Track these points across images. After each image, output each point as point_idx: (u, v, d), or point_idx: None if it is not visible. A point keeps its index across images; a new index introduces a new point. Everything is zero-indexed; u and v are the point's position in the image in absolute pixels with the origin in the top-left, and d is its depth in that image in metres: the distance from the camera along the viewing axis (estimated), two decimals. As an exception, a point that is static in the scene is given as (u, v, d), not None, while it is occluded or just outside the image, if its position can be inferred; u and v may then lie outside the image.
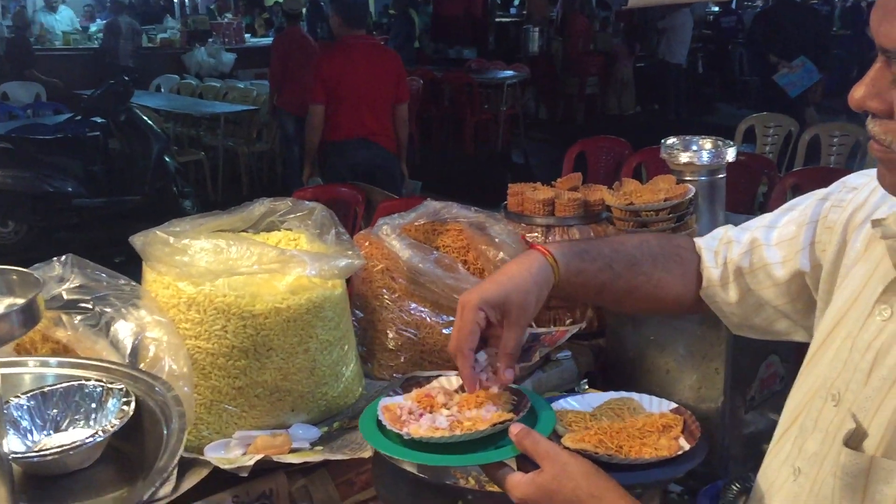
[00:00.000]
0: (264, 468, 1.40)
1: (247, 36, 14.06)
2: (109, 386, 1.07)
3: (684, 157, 1.98)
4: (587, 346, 2.00)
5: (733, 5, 14.09)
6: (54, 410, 1.05)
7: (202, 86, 10.38)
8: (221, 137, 8.63)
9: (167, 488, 1.33)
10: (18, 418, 1.03)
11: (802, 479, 1.05)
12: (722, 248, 1.32)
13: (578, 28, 12.30)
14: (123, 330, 1.38)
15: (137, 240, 1.47)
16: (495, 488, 1.15)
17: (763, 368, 1.78)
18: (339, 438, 1.52)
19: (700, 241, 1.37)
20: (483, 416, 1.13)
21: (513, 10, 15.78)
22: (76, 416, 1.06)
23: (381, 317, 1.80)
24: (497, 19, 14.11)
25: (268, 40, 13.44)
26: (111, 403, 1.05)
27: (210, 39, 12.62)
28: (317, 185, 4.94)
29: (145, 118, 7.39)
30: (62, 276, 1.40)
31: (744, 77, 12.97)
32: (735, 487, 1.65)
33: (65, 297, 1.39)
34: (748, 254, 1.27)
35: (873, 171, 1.07)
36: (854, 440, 0.95)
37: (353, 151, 5.06)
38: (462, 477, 1.47)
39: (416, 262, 1.75)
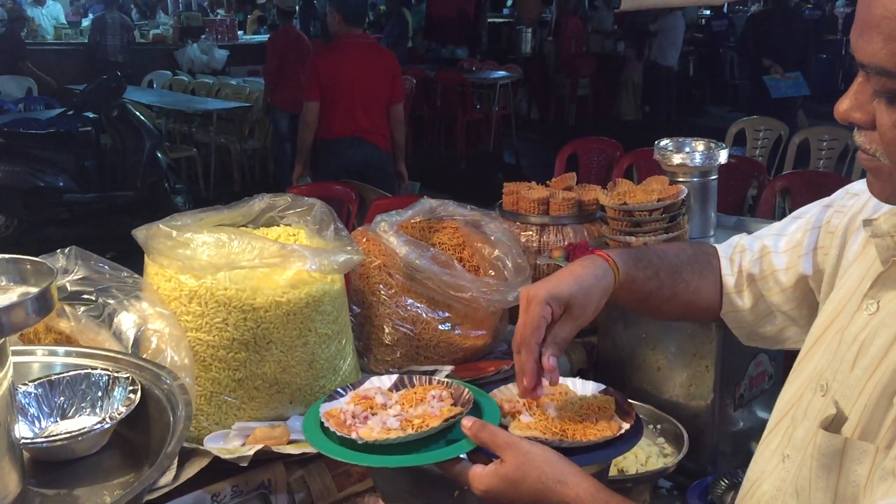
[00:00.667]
0: (263, 459, 1.42)
1: (239, 33, 14.05)
2: (115, 375, 1.08)
3: (677, 159, 2.01)
4: (580, 344, 2.02)
5: (725, 9, 14.16)
6: (61, 398, 1.07)
7: (194, 82, 10.38)
8: (214, 134, 8.63)
9: (168, 477, 1.35)
10: (26, 405, 1.05)
11: (789, 464, 1.09)
12: (736, 255, 1.37)
13: (571, 30, 12.36)
14: (126, 321, 1.40)
15: (140, 233, 1.49)
16: None
17: (752, 367, 1.82)
18: (337, 431, 1.55)
19: (719, 249, 1.41)
20: (431, 412, 1.15)
21: (505, 11, 15.81)
22: (82, 404, 1.08)
23: (378, 312, 1.82)
24: (490, 20, 14.14)
25: (261, 37, 13.44)
26: (117, 392, 1.07)
27: (203, 36, 12.60)
28: (309, 184, 4.95)
29: (137, 114, 7.39)
30: (66, 268, 1.42)
31: (734, 80, 13.05)
32: (723, 483, 1.69)
33: (69, 288, 1.41)
34: (759, 261, 1.33)
35: (863, 199, 1.14)
36: (834, 425, 0.99)
37: (346, 150, 5.07)
38: None
39: (413, 259, 1.78)
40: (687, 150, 2.04)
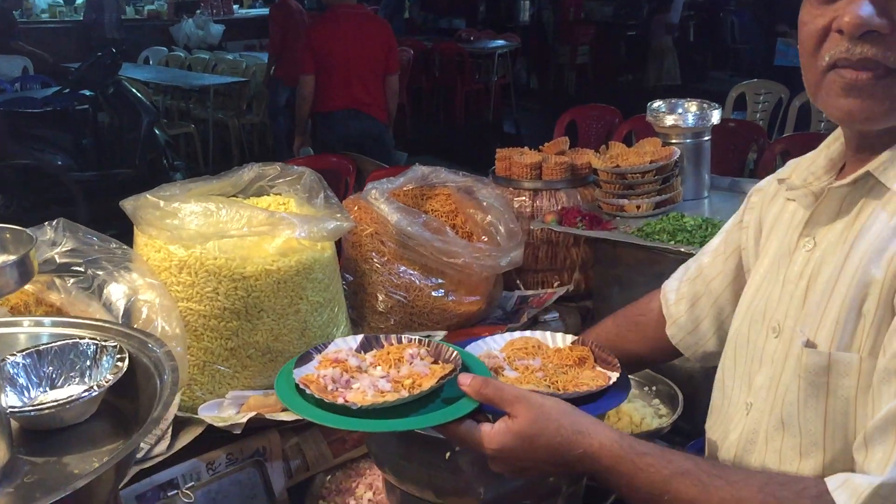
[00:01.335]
0: (257, 427, 1.43)
1: (235, 7, 13.92)
2: (103, 343, 1.08)
3: (669, 120, 2.00)
4: (575, 308, 2.03)
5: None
6: (50, 368, 1.07)
7: (191, 58, 10.30)
8: (211, 110, 8.59)
9: (162, 446, 1.36)
10: (15, 375, 1.05)
11: (757, 408, 1.09)
12: (684, 284, 1.38)
13: (570, -4, 12.24)
14: (116, 292, 1.40)
15: (128, 204, 1.48)
16: None
17: (747, 327, 1.81)
18: (331, 398, 1.55)
19: (666, 286, 1.41)
20: (419, 371, 1.09)
21: (503, -21, 15.63)
22: (71, 374, 1.08)
23: (371, 280, 1.82)
24: (487, -12, 13.98)
25: (257, 11, 13.31)
26: (105, 360, 1.07)
27: (198, 11, 12.49)
28: (308, 156, 4.93)
29: (134, 91, 7.34)
30: (54, 240, 1.42)
31: (735, 45, 12.93)
32: (719, 442, 1.69)
33: (57, 260, 1.41)
34: (693, 281, 1.35)
35: (777, 174, 1.18)
36: (809, 346, 1.00)
37: (343, 122, 5.04)
38: None
39: (405, 226, 1.77)
40: (679, 111, 2.03)
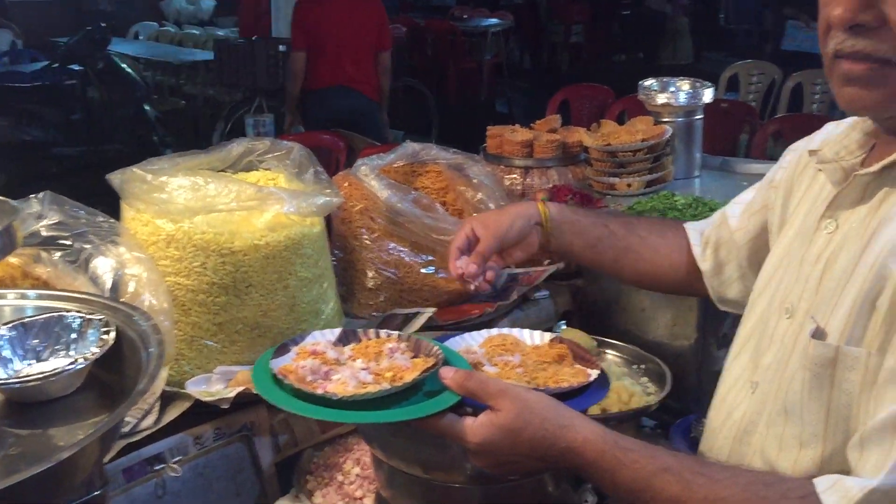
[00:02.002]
0: (245, 401, 1.43)
1: (227, -18, 13.78)
2: (89, 317, 1.08)
3: (661, 98, 1.99)
4: (565, 287, 2.03)
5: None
6: (35, 341, 1.06)
7: (181, 33, 10.21)
8: (202, 86, 8.52)
9: (150, 420, 1.36)
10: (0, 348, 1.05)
11: (763, 389, 1.09)
12: (703, 225, 1.41)
13: (563, -26, 12.15)
14: (103, 266, 1.39)
15: (115, 177, 1.47)
16: None
17: (735, 306, 1.82)
18: (320, 374, 1.55)
19: (688, 224, 1.44)
20: (401, 364, 1.07)
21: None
22: (57, 347, 1.07)
23: (361, 256, 1.82)
24: (481, -34, 13.88)
25: (249, -14, 13.18)
26: (91, 333, 1.06)
27: (189, -15, 12.37)
28: (299, 133, 4.91)
29: (124, 66, 7.29)
30: (40, 213, 1.41)
31: (730, 25, 12.88)
32: (706, 421, 1.70)
33: (43, 233, 1.40)
34: (718, 228, 1.37)
35: (811, 135, 1.18)
36: (818, 336, 0.99)
37: (334, 99, 5.01)
38: None
39: (395, 202, 1.77)
40: (671, 89, 2.02)
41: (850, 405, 0.96)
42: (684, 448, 1.63)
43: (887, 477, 0.86)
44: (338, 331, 1.18)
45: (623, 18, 12.38)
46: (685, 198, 1.84)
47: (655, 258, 1.39)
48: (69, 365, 1.01)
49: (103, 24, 7.50)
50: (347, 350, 1.13)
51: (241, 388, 1.39)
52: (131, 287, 1.37)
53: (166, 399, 1.41)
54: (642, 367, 1.77)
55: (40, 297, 1.13)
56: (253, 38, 6.18)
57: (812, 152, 1.09)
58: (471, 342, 1.24)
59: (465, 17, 10.69)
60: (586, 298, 1.94)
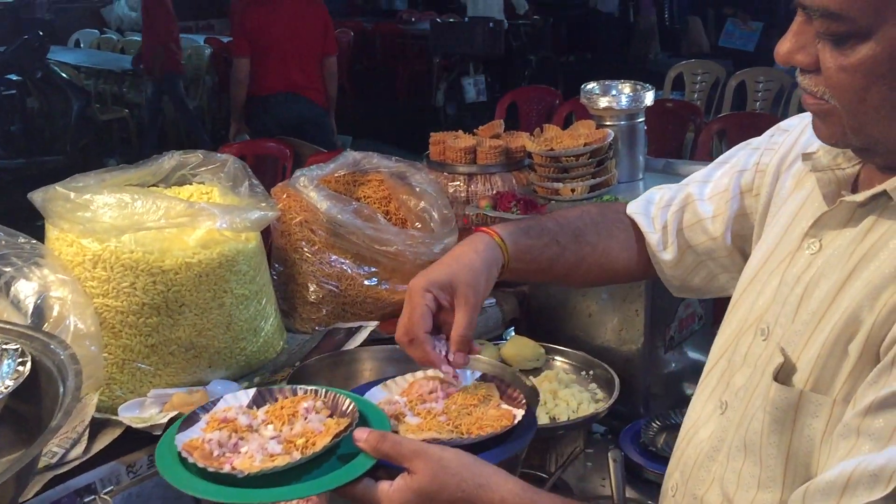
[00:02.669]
0: (181, 426, 1.37)
1: (170, -12, 13.55)
2: (3, 346, 1.02)
3: (603, 102, 1.98)
4: (511, 294, 2.00)
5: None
6: (-54, 374, 1.01)
7: (124, 40, 10.01)
8: (146, 94, 8.36)
9: (78, 450, 1.30)
10: None
11: (730, 413, 1.04)
12: (659, 211, 1.31)
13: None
14: (25, 289, 1.32)
15: (37, 196, 1.41)
16: None
17: (681, 309, 1.81)
18: (260, 393, 1.50)
19: (633, 208, 1.35)
20: (312, 427, 1.01)
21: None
22: (-30, 379, 1.01)
23: (301, 270, 1.77)
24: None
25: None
26: (6, 364, 1.00)
27: (131, -8, 12.14)
28: (244, 141, 4.83)
29: (64, 75, 7.13)
30: (-44, 236, 1.34)
31: (675, 25, 13.06)
32: (655, 425, 1.69)
33: (-41, 257, 1.33)
34: (681, 211, 1.27)
35: (806, 115, 1.07)
36: (783, 374, 0.94)
37: (280, 106, 4.94)
38: None
39: (335, 214, 1.72)
40: (613, 92, 2.01)
41: (811, 452, 0.91)
42: (634, 454, 1.63)
43: None
44: (252, 391, 1.11)
45: (571, 19, 12.46)
46: (628, 202, 1.83)
47: (607, 263, 1.31)
48: (-20, 400, 0.95)
49: (40, 32, 7.32)
50: (261, 413, 1.06)
51: (174, 413, 1.34)
52: (56, 311, 1.31)
53: (97, 426, 1.35)
54: (591, 373, 1.76)
55: (-49, 327, 1.07)
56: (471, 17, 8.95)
57: (807, 156, 1.02)
58: (394, 390, 1.18)
59: (413, 19, 10.67)
60: (533, 305, 1.93)
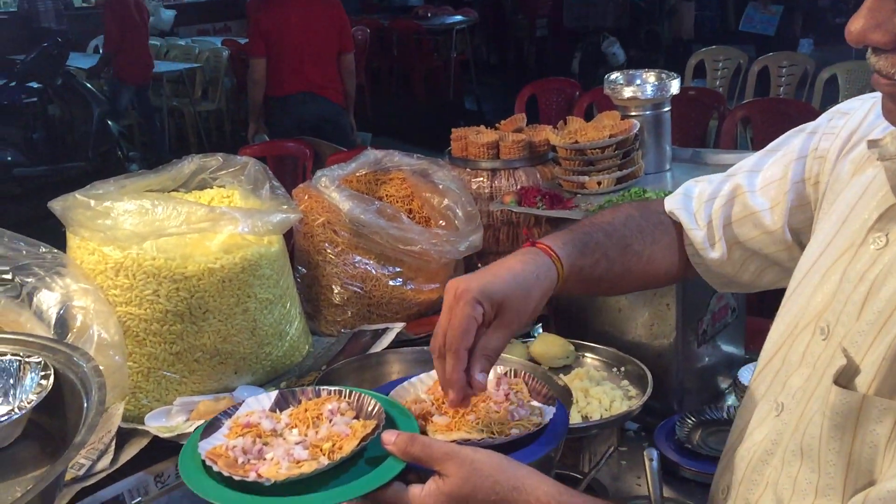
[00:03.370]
0: (208, 434, 1.35)
1: (186, -9, 13.61)
2: (27, 360, 1.00)
3: (628, 92, 1.93)
4: (539, 289, 1.97)
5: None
6: (-31, 388, 0.99)
7: (142, 46, 10.04)
8: (165, 98, 8.40)
9: (105, 461, 1.28)
10: (-70, 399, 0.97)
11: (786, 416, 0.99)
12: (702, 206, 1.23)
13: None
14: (48, 300, 1.31)
15: (57, 204, 1.39)
16: None
17: (714, 301, 1.77)
18: (286, 398, 1.48)
19: (672, 204, 1.26)
20: (339, 431, 0.98)
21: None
22: (-7, 394, 1.00)
23: (325, 272, 1.75)
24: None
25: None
26: (29, 378, 0.99)
27: (148, -4, 12.19)
28: (263, 142, 4.82)
29: (84, 81, 7.15)
30: (-23, 248, 1.33)
31: (697, 12, 12.91)
32: (690, 421, 1.65)
33: (-19, 269, 1.32)
34: (729, 204, 1.19)
35: (866, 96, 1.02)
36: (844, 377, 0.89)
37: (297, 106, 4.92)
38: None
39: (358, 214, 1.70)
40: (637, 82, 1.97)
41: (873, 459, 0.86)
42: (669, 451, 1.59)
43: None
44: (274, 394, 1.08)
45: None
46: (657, 193, 1.79)
47: (651, 270, 1.23)
48: (4, 416, 0.94)
49: (59, 40, 7.36)
50: (284, 417, 1.03)
51: (201, 422, 1.31)
52: (79, 321, 1.30)
53: (123, 436, 1.34)
54: (622, 369, 1.72)
55: (-26, 341, 1.06)
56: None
57: (873, 142, 0.94)
58: (419, 388, 1.14)
59: (429, 15, 10.63)
60: (561, 301, 1.89)
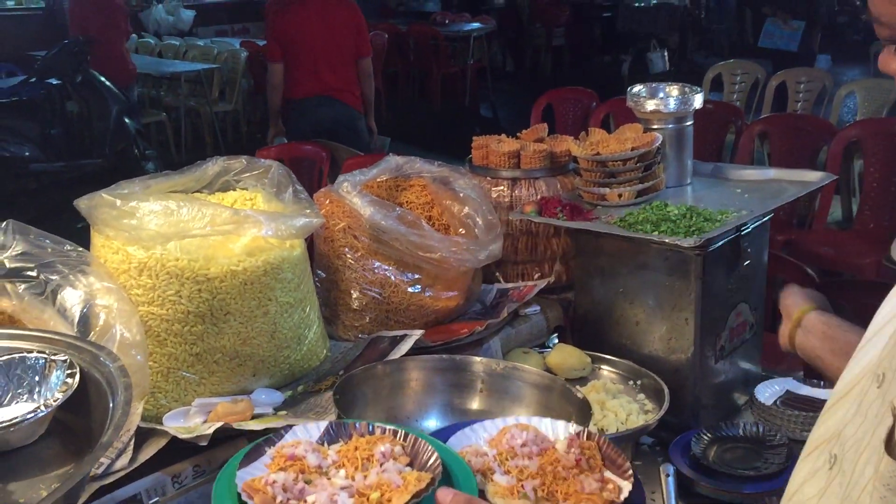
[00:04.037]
0: (226, 436, 1.36)
1: (205, -8, 13.68)
2: (53, 358, 1.01)
3: (651, 105, 1.93)
4: (556, 301, 1.97)
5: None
6: (-5, 385, 1.00)
7: (161, 44, 10.12)
8: (183, 97, 8.44)
9: (124, 460, 1.29)
10: (-44, 394, 0.98)
11: (835, 474, 0.86)
12: None
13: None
14: (71, 298, 1.32)
15: (83, 203, 1.40)
16: None
17: (733, 317, 1.76)
18: (304, 402, 1.49)
19: None
20: (390, 479, 0.91)
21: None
22: (19, 390, 1.01)
23: (345, 276, 1.75)
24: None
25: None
26: (55, 376, 1.00)
27: (168, -4, 12.27)
28: (280, 144, 4.84)
29: (102, 79, 7.18)
30: (3, 244, 1.33)
31: (712, 25, 12.89)
32: (706, 437, 1.64)
33: (7, 265, 1.32)
34: None
35: None
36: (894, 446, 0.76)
37: (314, 109, 4.93)
38: None
39: (379, 220, 1.70)
40: (661, 95, 1.96)
41: None
42: (684, 467, 1.58)
43: None
44: (324, 425, 1.02)
45: (603, 21, 12.35)
46: (678, 207, 1.78)
47: None
48: (30, 413, 0.94)
49: (81, 37, 7.39)
50: (332, 452, 0.97)
51: (219, 424, 1.32)
52: (102, 319, 1.30)
53: (141, 436, 1.34)
54: (639, 382, 1.72)
55: (0, 337, 1.06)
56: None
57: None
58: (481, 436, 1.08)
59: (447, 21, 10.66)
60: (578, 312, 1.89)
